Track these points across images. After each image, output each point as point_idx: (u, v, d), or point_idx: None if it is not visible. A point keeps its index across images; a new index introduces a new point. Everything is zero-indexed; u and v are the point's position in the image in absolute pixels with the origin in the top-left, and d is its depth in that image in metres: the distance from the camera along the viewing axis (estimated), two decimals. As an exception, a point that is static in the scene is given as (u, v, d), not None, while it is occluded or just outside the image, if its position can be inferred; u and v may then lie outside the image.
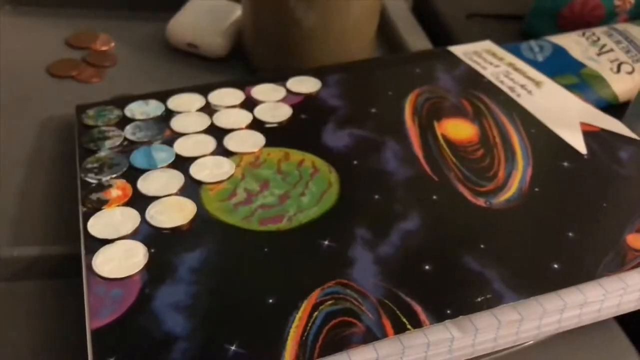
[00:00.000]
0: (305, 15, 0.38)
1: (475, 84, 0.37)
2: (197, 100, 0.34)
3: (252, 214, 0.27)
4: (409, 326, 0.22)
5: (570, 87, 0.39)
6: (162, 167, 0.29)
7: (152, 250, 0.25)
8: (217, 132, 0.32)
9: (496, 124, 0.33)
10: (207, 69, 0.44)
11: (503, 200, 0.28)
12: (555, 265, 0.24)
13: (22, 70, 0.41)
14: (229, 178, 0.29)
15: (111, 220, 0.26)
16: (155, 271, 0.24)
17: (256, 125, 0.33)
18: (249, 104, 0.34)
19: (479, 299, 0.23)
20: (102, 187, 0.28)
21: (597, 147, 0.31)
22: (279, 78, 0.37)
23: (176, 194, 0.28)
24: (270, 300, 0.23)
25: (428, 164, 0.30)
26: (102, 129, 0.33)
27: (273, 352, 0.21)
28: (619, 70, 0.43)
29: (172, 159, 0.30)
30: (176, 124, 0.32)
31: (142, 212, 0.27)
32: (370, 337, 0.21)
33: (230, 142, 0.31)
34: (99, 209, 0.27)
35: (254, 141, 0.31)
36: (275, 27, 0.40)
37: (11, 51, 0.43)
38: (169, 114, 0.34)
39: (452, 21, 0.53)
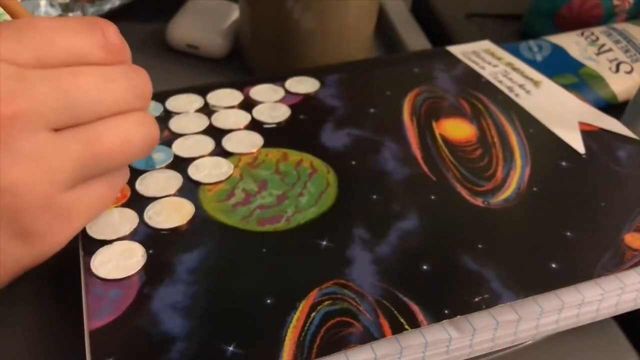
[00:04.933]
0: (302, 16, 0.38)
1: (473, 83, 0.37)
2: (195, 100, 0.35)
3: (250, 215, 0.27)
4: (406, 326, 0.22)
5: (569, 87, 0.39)
6: (160, 168, 0.29)
7: (151, 251, 0.25)
8: (216, 133, 0.32)
9: (494, 124, 0.33)
10: (206, 70, 0.44)
11: (501, 200, 0.28)
12: (553, 265, 0.24)
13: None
14: (227, 178, 0.29)
15: (109, 221, 0.26)
16: (154, 272, 0.24)
17: (255, 125, 0.33)
18: (248, 104, 0.34)
19: (477, 299, 0.23)
20: (100, 187, 0.28)
21: (595, 147, 0.31)
22: (278, 78, 0.37)
23: (174, 195, 0.28)
24: (268, 301, 0.23)
25: (426, 164, 0.30)
26: (101, 130, 0.32)
27: (271, 353, 0.21)
28: (617, 69, 0.43)
29: (171, 159, 0.30)
30: (175, 124, 0.32)
31: (140, 213, 0.27)
32: (368, 337, 0.21)
33: (228, 143, 0.31)
34: (97, 210, 0.27)
35: (252, 141, 0.31)
36: (273, 29, 0.40)
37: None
38: (167, 114, 0.34)
39: (450, 21, 0.53)
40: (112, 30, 0.22)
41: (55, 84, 0.20)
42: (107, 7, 0.42)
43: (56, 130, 0.20)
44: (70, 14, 0.40)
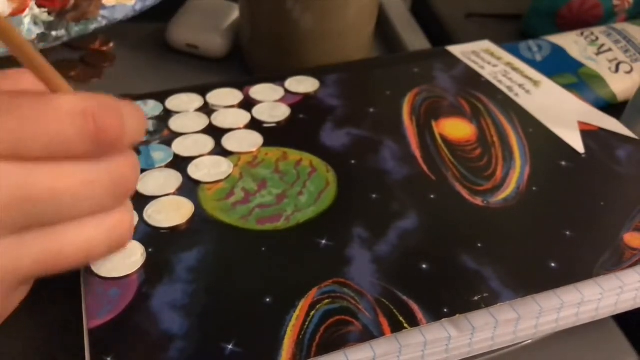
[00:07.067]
0: (303, 16, 0.38)
1: (473, 83, 0.37)
2: (195, 100, 0.35)
3: (249, 214, 0.27)
4: (406, 325, 0.22)
5: (568, 87, 0.39)
6: (160, 167, 0.29)
7: (150, 250, 0.25)
8: (216, 132, 0.32)
9: (494, 123, 0.33)
10: (206, 69, 0.44)
11: (500, 199, 0.28)
12: (553, 264, 0.24)
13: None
14: (226, 178, 0.29)
15: (109, 220, 0.26)
16: (153, 270, 0.24)
17: (254, 125, 0.33)
18: (247, 103, 0.34)
19: (476, 298, 0.23)
20: (100, 186, 0.28)
21: (595, 146, 0.31)
22: (278, 78, 0.37)
23: (174, 194, 0.28)
24: (268, 299, 0.23)
25: (426, 163, 0.30)
26: (101, 129, 0.32)
27: (270, 351, 0.21)
28: (617, 69, 0.43)
29: (170, 158, 0.30)
30: (174, 123, 0.32)
31: (140, 212, 0.27)
32: (367, 335, 0.21)
33: (228, 142, 0.31)
34: (97, 209, 0.27)
35: (252, 141, 0.31)
36: (273, 28, 0.40)
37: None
38: (167, 114, 0.34)
39: (450, 21, 0.53)
40: (106, 115, 0.18)
41: (26, 188, 0.17)
42: (93, 26, 0.40)
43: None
44: (54, 33, 0.38)
